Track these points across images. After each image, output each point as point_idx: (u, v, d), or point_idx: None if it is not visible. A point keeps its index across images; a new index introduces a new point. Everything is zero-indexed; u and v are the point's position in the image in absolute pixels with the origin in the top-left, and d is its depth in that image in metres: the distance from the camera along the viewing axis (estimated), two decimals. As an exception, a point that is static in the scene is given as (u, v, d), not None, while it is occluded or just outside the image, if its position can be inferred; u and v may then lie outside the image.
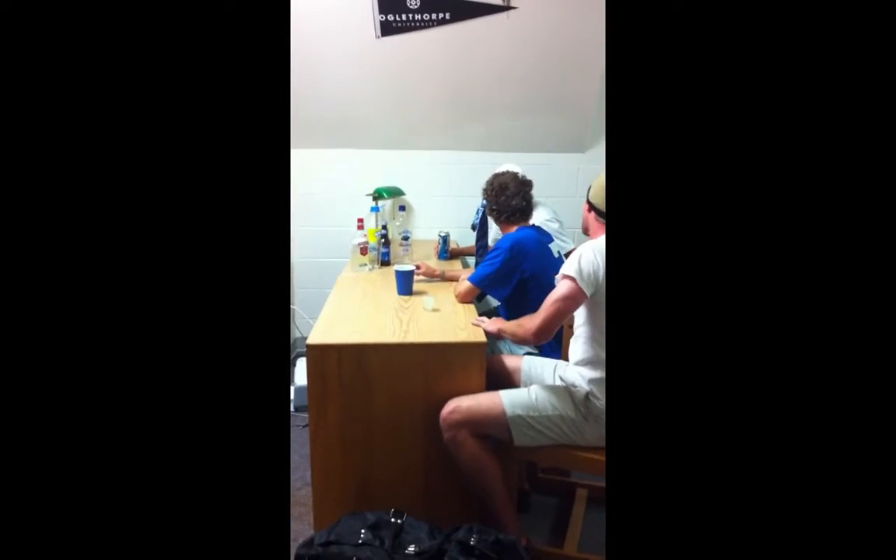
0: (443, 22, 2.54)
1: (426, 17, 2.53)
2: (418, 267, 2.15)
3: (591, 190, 1.64)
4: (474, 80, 2.76)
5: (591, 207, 1.63)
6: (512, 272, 1.90)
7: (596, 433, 1.53)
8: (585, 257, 1.48)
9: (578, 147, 3.02)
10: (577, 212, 3.02)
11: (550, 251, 2.00)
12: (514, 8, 2.49)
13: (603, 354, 1.51)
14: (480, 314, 1.85)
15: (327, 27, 2.54)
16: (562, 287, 1.51)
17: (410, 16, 2.53)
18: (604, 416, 1.50)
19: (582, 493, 1.94)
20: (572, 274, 1.47)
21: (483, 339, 1.62)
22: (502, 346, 2.08)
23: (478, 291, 1.98)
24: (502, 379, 1.80)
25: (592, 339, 1.55)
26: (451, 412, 1.54)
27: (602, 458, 1.54)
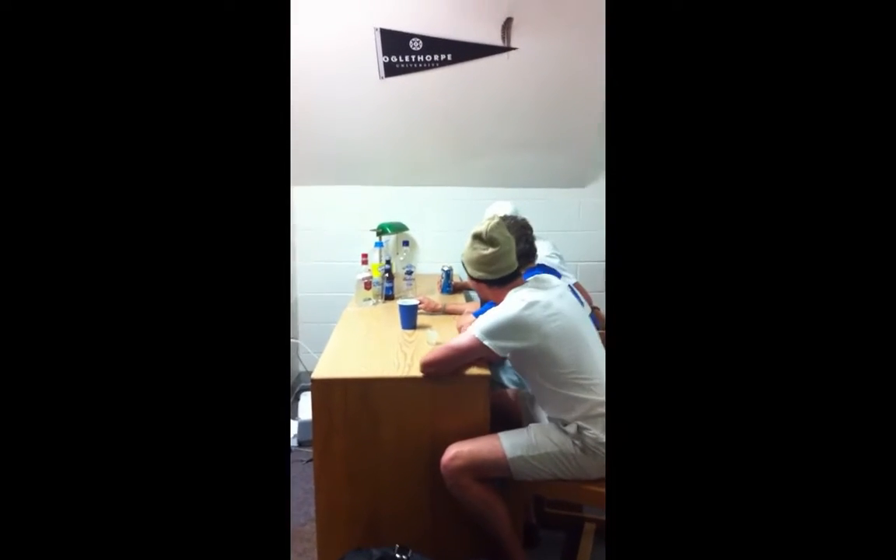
0: (445, 63, 2.61)
1: (429, 58, 2.61)
2: (420, 301, 2.16)
3: (463, 256, 1.70)
4: (476, 119, 2.82)
5: (477, 279, 1.67)
6: None
7: (594, 465, 1.53)
8: (494, 314, 1.54)
9: (579, 182, 3.07)
10: (579, 246, 3.09)
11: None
12: (514, 49, 2.56)
13: (558, 398, 1.54)
14: None
15: (333, 69, 2.61)
16: (463, 338, 1.58)
17: (413, 57, 2.61)
18: (600, 447, 1.51)
19: (590, 527, 1.91)
20: (477, 334, 1.53)
21: (486, 372, 1.63)
22: (504, 379, 2.08)
23: None
24: (503, 411, 1.80)
25: (543, 397, 1.59)
26: (452, 459, 1.54)
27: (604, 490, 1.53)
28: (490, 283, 1.65)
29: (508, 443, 1.55)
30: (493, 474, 1.55)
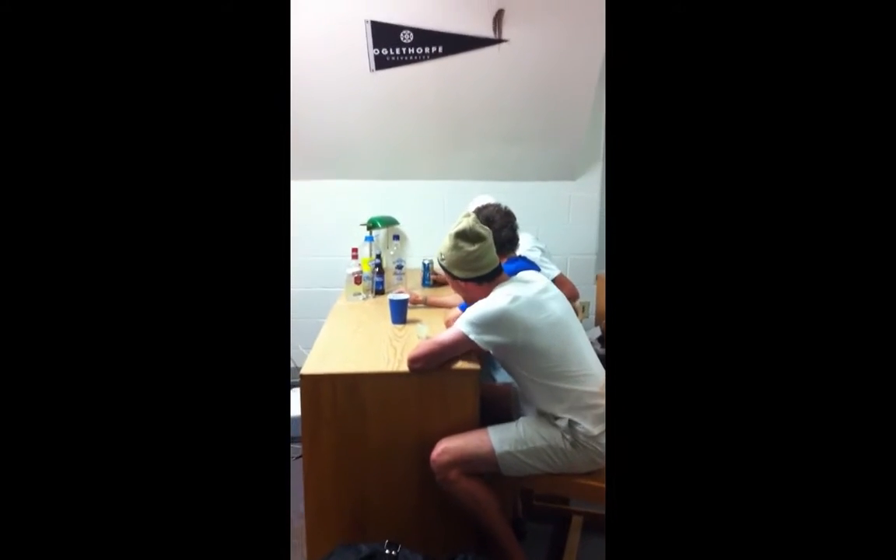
0: (436, 55, 2.60)
1: (419, 50, 2.59)
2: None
3: (443, 256, 1.66)
4: (467, 111, 2.81)
5: (464, 279, 1.63)
6: None
7: (584, 459, 1.53)
8: (480, 308, 1.53)
9: (569, 175, 3.07)
10: (568, 238, 3.10)
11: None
12: (505, 41, 2.55)
13: (546, 393, 1.54)
14: None
15: (323, 61, 2.59)
16: (449, 332, 1.57)
17: (404, 50, 2.59)
18: (590, 442, 1.51)
19: (577, 520, 1.92)
20: (463, 328, 1.53)
21: (476, 366, 1.63)
22: (493, 372, 2.08)
23: None
24: (493, 404, 1.80)
25: (531, 390, 1.58)
26: (441, 454, 1.54)
27: (595, 483, 1.54)
28: (479, 280, 1.63)
29: (497, 438, 1.55)
30: (482, 469, 1.56)
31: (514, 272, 1.72)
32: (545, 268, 2.30)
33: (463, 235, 1.61)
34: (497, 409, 1.80)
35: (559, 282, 2.38)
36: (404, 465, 1.63)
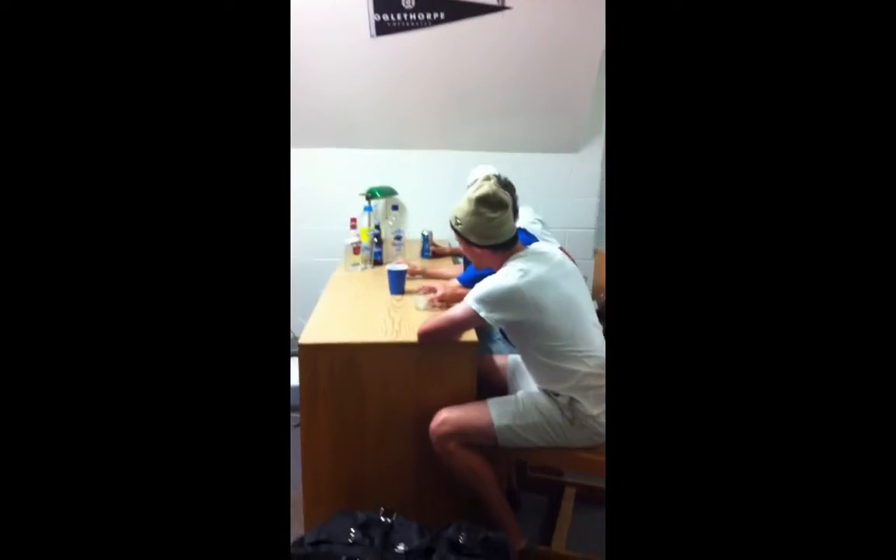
0: (437, 22, 2.55)
1: (421, 16, 2.54)
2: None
3: (459, 221, 1.58)
4: (468, 80, 2.76)
5: (483, 245, 1.58)
6: None
7: (581, 436, 1.54)
8: (490, 284, 1.50)
9: (572, 147, 3.04)
10: (570, 211, 3.09)
11: None
12: (508, 8, 2.50)
13: (550, 371, 1.54)
14: None
15: (322, 26, 2.54)
16: (459, 308, 1.54)
17: (405, 15, 2.53)
18: (588, 420, 1.52)
19: (570, 492, 1.95)
20: (472, 304, 1.49)
21: (474, 338, 1.63)
22: (491, 345, 2.09)
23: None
24: (490, 377, 1.81)
25: (535, 367, 1.59)
26: (440, 424, 1.54)
27: (591, 456, 1.56)
28: (495, 248, 1.57)
29: (496, 411, 1.56)
30: (480, 441, 1.57)
31: (526, 243, 1.68)
32: (545, 240, 2.29)
33: (485, 201, 1.54)
34: (494, 381, 1.81)
35: None
36: (401, 434, 1.64)
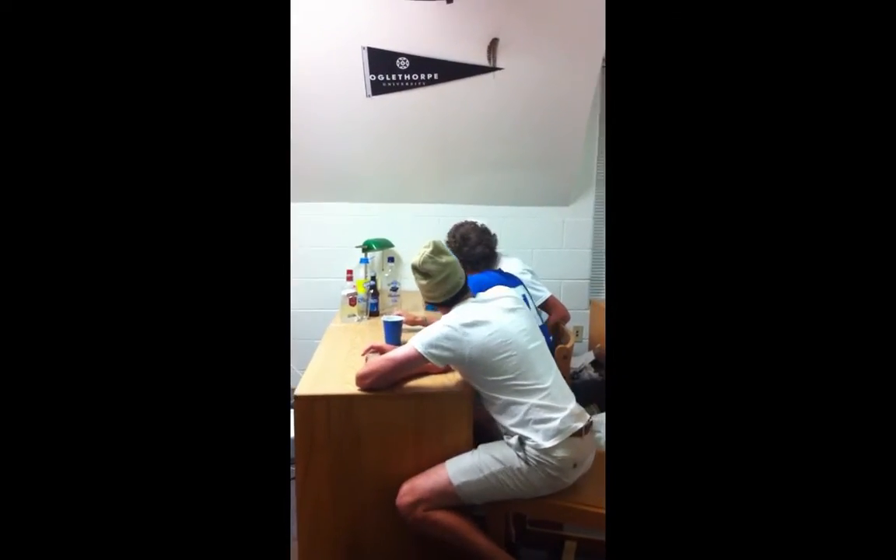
0: (431, 82, 2.64)
1: (415, 77, 2.63)
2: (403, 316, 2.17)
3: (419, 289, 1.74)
4: (462, 137, 2.84)
5: (428, 301, 1.75)
6: None
7: (540, 477, 1.53)
8: (432, 328, 1.60)
9: (563, 201, 3.11)
10: (562, 262, 3.13)
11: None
12: (500, 69, 2.60)
13: (500, 404, 1.59)
14: None
15: (320, 86, 2.63)
16: (403, 349, 1.62)
17: (400, 76, 2.63)
18: (542, 457, 1.52)
19: (571, 545, 1.91)
20: (417, 346, 1.57)
21: (472, 389, 1.63)
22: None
23: None
24: (487, 426, 1.80)
25: (488, 402, 1.62)
26: (403, 496, 1.56)
27: (590, 509, 1.54)
28: (439, 305, 1.72)
29: (453, 470, 1.57)
30: (445, 502, 1.56)
31: (487, 286, 1.79)
32: (535, 290, 2.36)
33: (415, 269, 1.71)
34: (491, 430, 1.80)
35: (550, 304, 2.42)
36: (399, 488, 1.62)
